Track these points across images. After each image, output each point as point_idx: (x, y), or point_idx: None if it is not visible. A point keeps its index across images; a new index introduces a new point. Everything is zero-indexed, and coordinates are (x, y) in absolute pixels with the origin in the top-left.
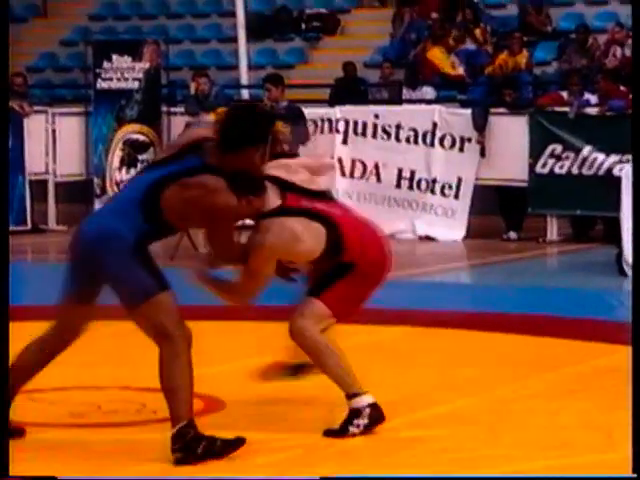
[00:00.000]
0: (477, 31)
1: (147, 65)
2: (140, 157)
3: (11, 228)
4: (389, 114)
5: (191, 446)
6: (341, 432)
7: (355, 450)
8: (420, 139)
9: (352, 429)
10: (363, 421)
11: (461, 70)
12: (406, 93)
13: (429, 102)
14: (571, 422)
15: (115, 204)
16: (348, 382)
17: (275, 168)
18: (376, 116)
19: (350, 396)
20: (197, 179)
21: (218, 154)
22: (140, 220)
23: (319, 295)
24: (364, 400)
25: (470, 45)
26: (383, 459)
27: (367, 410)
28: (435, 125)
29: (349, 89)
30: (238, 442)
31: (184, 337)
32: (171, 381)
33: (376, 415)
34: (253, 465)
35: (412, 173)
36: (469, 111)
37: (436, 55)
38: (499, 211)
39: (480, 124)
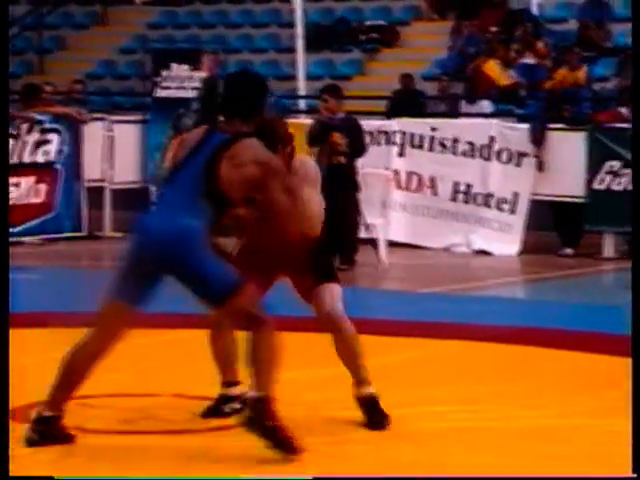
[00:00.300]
0: (539, 45)
1: (205, 74)
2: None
3: (67, 234)
4: (446, 127)
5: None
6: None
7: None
8: (477, 153)
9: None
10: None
11: (514, 84)
12: (464, 106)
13: (486, 116)
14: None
15: (174, 201)
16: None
17: None
18: (433, 129)
19: (363, 382)
20: (239, 145)
21: (237, 123)
22: (203, 208)
23: (333, 279)
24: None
25: (529, 59)
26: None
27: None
28: (492, 139)
29: (406, 101)
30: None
31: (269, 321)
32: (262, 362)
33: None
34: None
35: (468, 187)
36: (527, 126)
37: (492, 68)
38: (555, 227)
39: (538, 139)
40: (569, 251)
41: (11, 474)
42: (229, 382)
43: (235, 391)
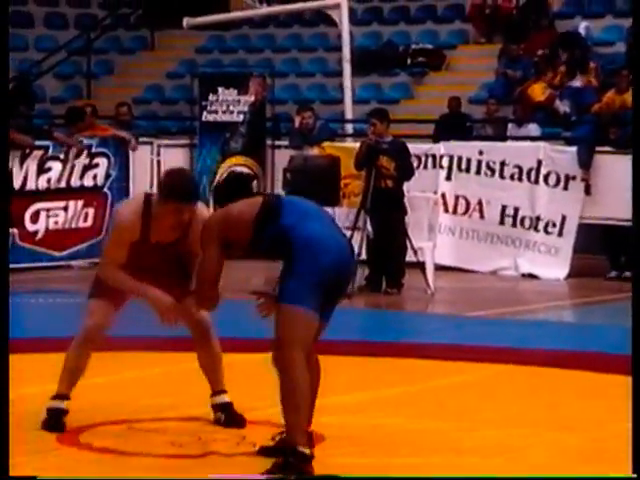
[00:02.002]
0: (590, 67)
1: (252, 98)
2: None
3: None
4: (494, 150)
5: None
6: None
7: None
8: (524, 176)
9: None
10: None
11: (562, 107)
12: (511, 129)
13: (534, 139)
14: None
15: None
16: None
17: None
18: (480, 152)
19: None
20: None
21: None
22: None
23: None
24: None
25: (576, 82)
26: None
27: None
28: (540, 162)
29: (454, 125)
30: None
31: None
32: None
33: None
34: None
35: (516, 210)
36: (574, 149)
37: (537, 91)
38: (603, 250)
39: (585, 162)
40: (617, 274)
41: None
42: None
43: None
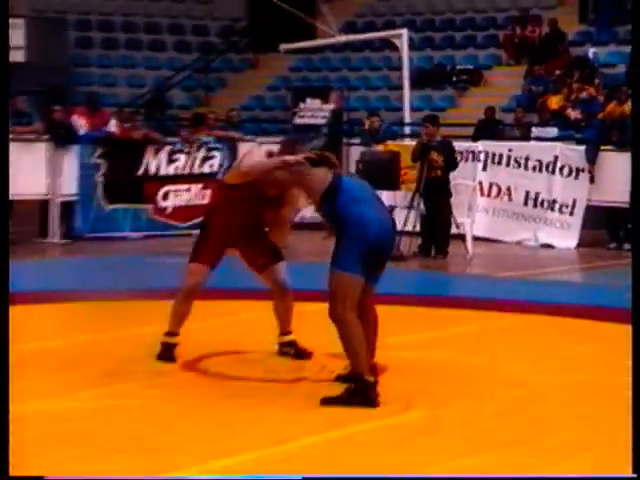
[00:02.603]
0: (596, 84)
1: (332, 107)
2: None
3: None
4: (520, 148)
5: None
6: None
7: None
8: (544, 168)
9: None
10: None
11: (574, 114)
12: (534, 131)
13: (552, 140)
14: None
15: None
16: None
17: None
18: (510, 150)
19: (288, 333)
20: None
21: None
22: None
23: (282, 258)
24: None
25: (585, 95)
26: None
27: None
28: (556, 158)
29: (489, 128)
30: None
31: None
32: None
33: None
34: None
35: (537, 195)
36: (583, 148)
37: (553, 102)
38: (605, 226)
39: (592, 158)
40: (615, 245)
41: None
42: None
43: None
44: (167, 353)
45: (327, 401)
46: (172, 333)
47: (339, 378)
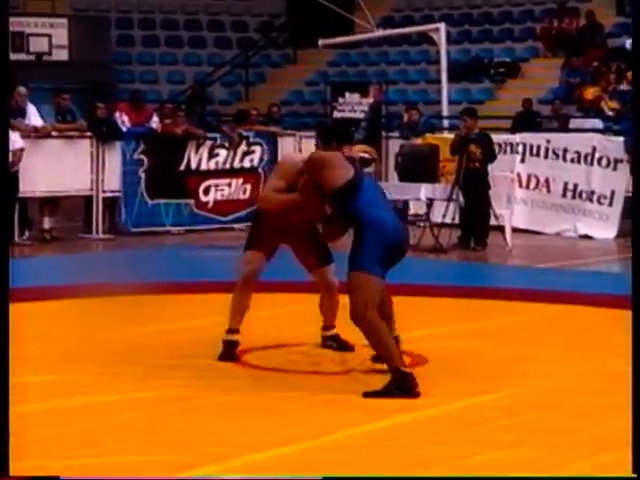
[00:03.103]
0: (629, 75)
1: (371, 100)
2: (364, 170)
3: None
4: (558, 139)
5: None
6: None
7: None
8: (582, 159)
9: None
10: None
11: (610, 105)
12: (572, 123)
13: (590, 131)
14: None
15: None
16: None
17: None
18: (547, 141)
19: (332, 327)
20: None
21: None
22: None
23: (332, 260)
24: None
25: (622, 87)
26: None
27: None
28: (594, 149)
29: (526, 120)
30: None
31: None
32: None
33: None
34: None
35: (575, 186)
36: (621, 139)
37: (592, 93)
38: None
39: (630, 149)
40: None
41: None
42: None
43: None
44: (227, 353)
45: (369, 395)
46: (233, 330)
47: (375, 358)
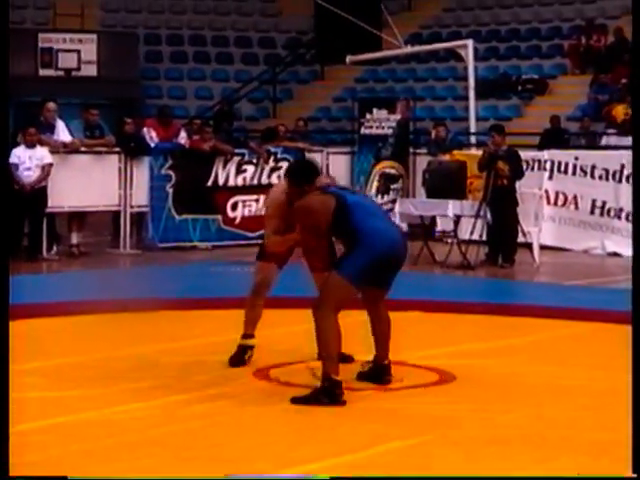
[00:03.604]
0: None
1: (399, 117)
2: (392, 186)
3: None
4: (586, 157)
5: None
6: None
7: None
8: (610, 176)
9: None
10: None
11: None
12: (605, 140)
13: (618, 148)
14: None
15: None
16: None
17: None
18: (576, 158)
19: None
20: None
21: None
22: None
23: None
24: None
25: None
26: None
27: None
28: (623, 166)
29: (554, 137)
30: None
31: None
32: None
33: None
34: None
35: (603, 203)
36: None
37: (619, 111)
38: None
39: None
40: None
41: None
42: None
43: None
44: (238, 357)
45: (296, 400)
46: (247, 335)
47: (359, 376)
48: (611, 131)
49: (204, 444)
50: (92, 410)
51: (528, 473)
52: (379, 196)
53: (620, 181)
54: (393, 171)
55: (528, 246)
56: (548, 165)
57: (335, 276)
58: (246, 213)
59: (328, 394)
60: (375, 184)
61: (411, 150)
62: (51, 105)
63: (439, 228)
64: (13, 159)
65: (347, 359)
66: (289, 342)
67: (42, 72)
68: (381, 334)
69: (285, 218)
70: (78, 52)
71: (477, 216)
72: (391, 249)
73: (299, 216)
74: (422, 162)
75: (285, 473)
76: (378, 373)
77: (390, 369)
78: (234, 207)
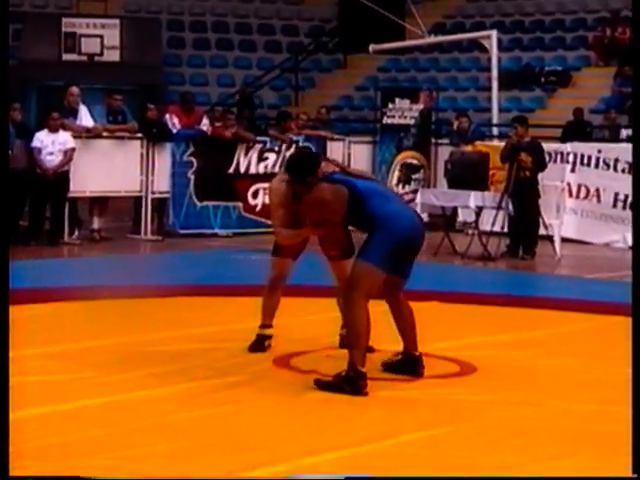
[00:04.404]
0: None
1: (421, 107)
2: (413, 176)
3: None
4: (609, 150)
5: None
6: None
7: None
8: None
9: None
10: None
11: None
12: (624, 133)
13: None
14: None
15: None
16: None
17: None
18: (599, 151)
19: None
20: None
21: None
22: None
23: None
24: None
25: None
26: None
27: None
28: None
29: (577, 129)
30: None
31: None
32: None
33: None
34: None
35: (626, 197)
36: None
37: None
38: None
39: None
40: None
41: None
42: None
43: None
44: (258, 344)
45: (319, 383)
46: (265, 325)
47: (385, 366)
48: (628, 125)
49: (224, 431)
50: (111, 395)
51: (548, 466)
52: (400, 186)
53: None
54: (415, 161)
55: (549, 238)
56: (571, 158)
57: (361, 264)
58: (267, 201)
59: (351, 383)
60: (397, 174)
61: (433, 140)
62: (74, 90)
63: (460, 219)
64: (36, 143)
65: (369, 349)
66: (308, 330)
67: (65, 57)
68: (406, 325)
69: (290, 207)
70: (101, 37)
71: (499, 208)
72: (411, 231)
73: (312, 209)
74: (444, 153)
75: (305, 462)
76: (410, 365)
77: (422, 361)
78: (255, 195)
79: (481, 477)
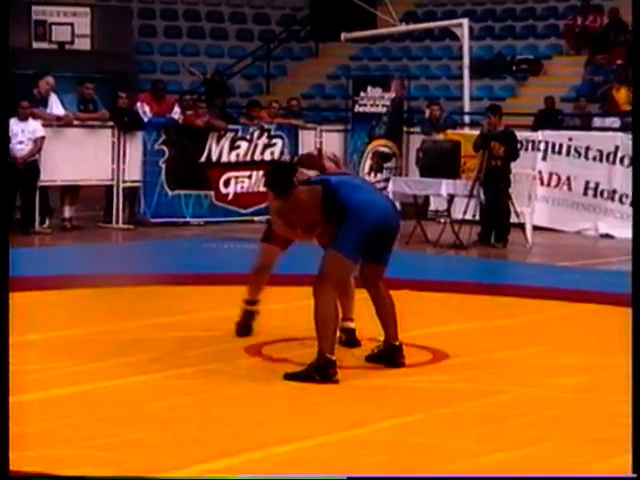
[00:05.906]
0: None
1: (393, 95)
2: (385, 165)
3: None
4: (580, 138)
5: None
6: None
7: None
8: (604, 158)
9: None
10: None
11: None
12: (595, 121)
13: (613, 130)
14: None
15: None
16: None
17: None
18: (570, 139)
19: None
20: None
21: None
22: None
23: None
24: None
25: None
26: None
27: None
28: (617, 148)
29: (549, 118)
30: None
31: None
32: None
33: None
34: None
35: (597, 185)
36: None
37: (622, 97)
38: None
39: None
40: None
41: None
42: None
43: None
44: (245, 320)
45: (289, 376)
46: (250, 301)
47: (367, 358)
48: (613, 119)
49: (197, 420)
50: (84, 384)
51: (518, 454)
52: (372, 174)
53: (614, 163)
54: (387, 149)
55: (521, 226)
56: (542, 146)
57: (331, 253)
58: (239, 189)
59: (321, 372)
60: (368, 162)
61: (405, 129)
62: (50, 79)
63: (432, 207)
64: None
65: (356, 343)
66: (284, 319)
67: (36, 45)
68: (387, 314)
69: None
70: (72, 25)
71: (470, 196)
72: (381, 219)
73: (292, 213)
74: (416, 141)
75: (277, 450)
76: (390, 355)
77: (402, 350)
78: (227, 183)
79: (481, 477)
